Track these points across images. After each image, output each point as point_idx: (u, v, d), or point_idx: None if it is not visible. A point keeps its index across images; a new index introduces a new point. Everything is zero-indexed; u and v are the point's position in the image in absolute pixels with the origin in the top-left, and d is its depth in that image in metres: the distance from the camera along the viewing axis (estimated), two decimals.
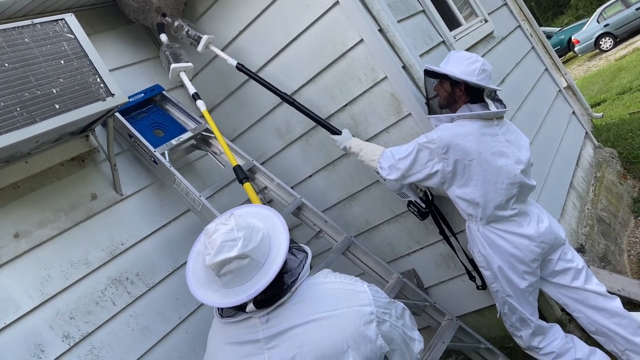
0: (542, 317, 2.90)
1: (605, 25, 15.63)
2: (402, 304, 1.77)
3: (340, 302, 1.57)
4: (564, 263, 2.73)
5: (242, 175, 2.90)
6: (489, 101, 2.63)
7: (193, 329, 3.00)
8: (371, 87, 3.06)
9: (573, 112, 5.24)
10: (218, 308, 1.63)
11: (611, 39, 15.65)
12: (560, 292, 2.77)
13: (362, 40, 2.96)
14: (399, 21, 3.10)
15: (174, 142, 3.14)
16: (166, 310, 2.95)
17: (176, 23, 3.34)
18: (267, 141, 3.59)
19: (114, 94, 2.64)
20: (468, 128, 2.56)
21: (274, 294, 1.53)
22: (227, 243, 1.48)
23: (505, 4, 5.11)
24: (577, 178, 4.45)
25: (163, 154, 3.02)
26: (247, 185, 2.84)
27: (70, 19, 2.65)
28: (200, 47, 3.30)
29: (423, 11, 3.48)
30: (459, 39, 3.69)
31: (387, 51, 2.95)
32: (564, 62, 17.74)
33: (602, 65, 13.67)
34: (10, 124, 2.25)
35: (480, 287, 3.11)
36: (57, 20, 2.61)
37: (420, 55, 3.12)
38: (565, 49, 18.50)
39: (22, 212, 2.62)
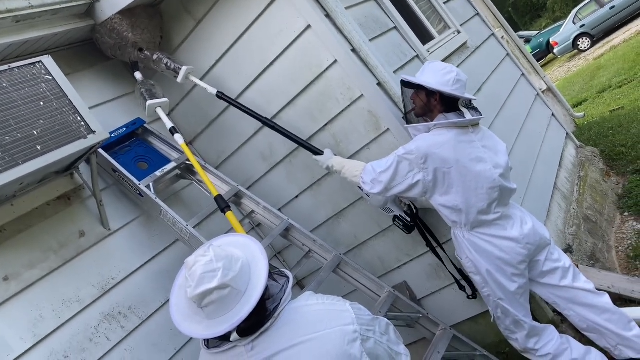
0: (534, 319, 2.93)
1: (582, 26, 15.90)
2: (386, 319, 1.80)
3: (323, 324, 1.59)
4: (551, 263, 2.77)
5: (224, 204, 2.93)
6: (464, 109, 2.70)
7: (189, 358, 3.00)
8: (349, 106, 3.11)
9: (552, 115, 5.32)
10: (204, 339, 1.65)
11: (588, 39, 15.91)
12: (550, 292, 2.80)
13: (336, 61, 3.01)
14: (371, 40, 3.17)
15: (158, 173, 3.17)
16: (161, 342, 2.95)
17: (154, 56, 3.40)
18: (252, 165, 3.63)
19: (95, 131, 2.67)
20: (444, 137, 2.61)
21: (257, 322, 1.55)
22: (207, 274, 1.50)
23: (478, 14, 5.21)
24: (560, 179, 4.51)
25: (148, 186, 3.04)
26: (230, 214, 2.88)
27: (47, 60, 2.69)
28: (180, 78, 3.35)
29: (395, 28, 3.56)
30: (432, 52, 3.76)
31: (362, 70, 3.01)
32: (544, 65, 18.03)
33: (581, 65, 13.88)
34: None
35: (470, 297, 3.14)
36: (34, 63, 2.65)
37: (394, 72, 3.19)
38: (545, 52, 18.75)
39: (10, 254, 2.62)
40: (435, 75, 2.69)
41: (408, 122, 2.90)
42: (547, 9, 28.28)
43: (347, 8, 3.13)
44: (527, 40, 19.02)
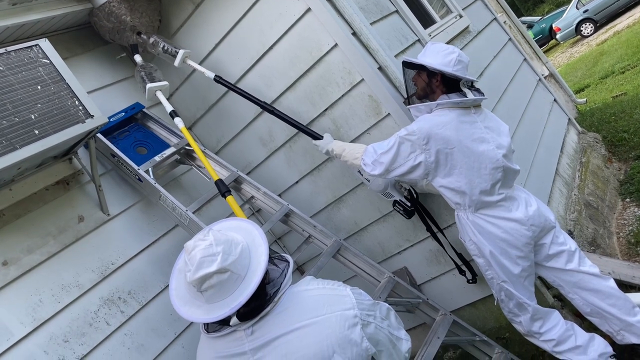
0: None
1: (585, 11, 15.75)
2: (386, 304, 1.79)
3: (324, 308, 1.58)
4: (557, 246, 2.74)
5: (225, 189, 2.91)
6: (466, 90, 2.66)
7: (189, 343, 3.01)
8: (349, 91, 3.08)
9: (554, 100, 5.28)
10: (203, 323, 1.64)
11: (591, 24, 15.76)
12: (555, 276, 2.77)
13: (336, 44, 2.98)
14: (372, 23, 3.13)
15: (157, 158, 3.15)
16: (161, 327, 2.95)
17: (152, 40, 3.36)
18: (251, 151, 3.61)
19: (93, 116, 2.65)
20: (446, 117, 2.57)
21: (257, 306, 1.54)
22: (207, 258, 1.49)
23: None
24: (562, 165, 4.49)
25: (147, 172, 3.03)
26: (230, 198, 2.86)
27: (45, 44, 2.66)
28: (177, 62, 3.32)
29: (396, 11, 3.51)
30: (434, 36, 3.72)
31: (362, 54, 2.98)
32: (546, 51, 17.91)
33: (584, 51, 13.77)
34: None
35: (470, 281, 3.13)
36: (31, 46, 2.62)
37: (395, 56, 3.15)
38: (547, 37, 18.62)
39: (9, 239, 2.62)
40: (437, 55, 2.65)
41: (410, 103, 2.87)
42: None
43: None
44: (530, 26, 18.88)
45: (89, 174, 2.93)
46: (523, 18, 20.60)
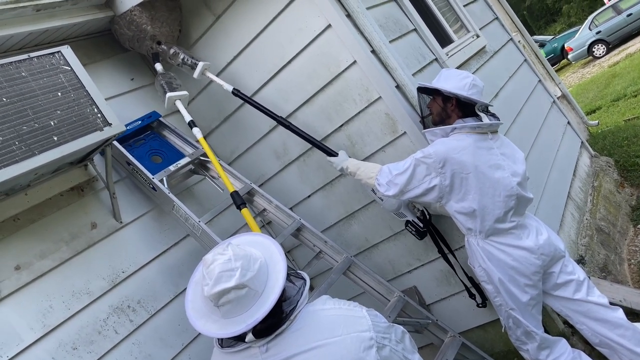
0: (545, 330, 2.90)
1: (598, 32, 15.77)
2: (401, 327, 1.78)
3: (339, 329, 1.58)
4: (565, 276, 2.73)
5: (240, 201, 2.91)
6: (482, 114, 2.66)
7: (196, 355, 3.00)
8: (366, 108, 3.08)
9: (568, 123, 5.27)
10: (218, 338, 1.64)
11: (604, 46, 15.78)
12: (563, 305, 2.77)
13: (355, 61, 2.99)
14: (391, 41, 3.14)
15: (172, 168, 3.16)
16: (169, 337, 2.95)
17: (172, 50, 3.38)
18: (265, 163, 3.61)
19: (111, 124, 2.66)
20: (464, 142, 2.58)
21: (273, 323, 1.54)
22: (225, 273, 1.49)
23: (497, 18, 5.17)
24: (574, 189, 4.47)
25: (161, 181, 3.03)
26: (245, 211, 2.86)
27: (67, 51, 2.68)
28: (196, 74, 3.34)
29: (415, 30, 3.53)
30: (451, 55, 3.73)
31: (381, 71, 2.99)
32: (557, 70, 17.91)
33: (595, 72, 13.76)
34: (9, 158, 2.26)
35: (480, 305, 3.11)
36: (53, 53, 2.64)
37: (413, 74, 3.16)
38: (559, 57, 18.64)
39: (22, 244, 2.63)
40: (452, 80, 2.67)
41: (425, 127, 2.88)
42: (563, 14, 28.13)
43: (368, 8, 3.10)
44: (542, 45, 18.91)
45: (104, 181, 2.94)
46: (535, 37, 20.61)
